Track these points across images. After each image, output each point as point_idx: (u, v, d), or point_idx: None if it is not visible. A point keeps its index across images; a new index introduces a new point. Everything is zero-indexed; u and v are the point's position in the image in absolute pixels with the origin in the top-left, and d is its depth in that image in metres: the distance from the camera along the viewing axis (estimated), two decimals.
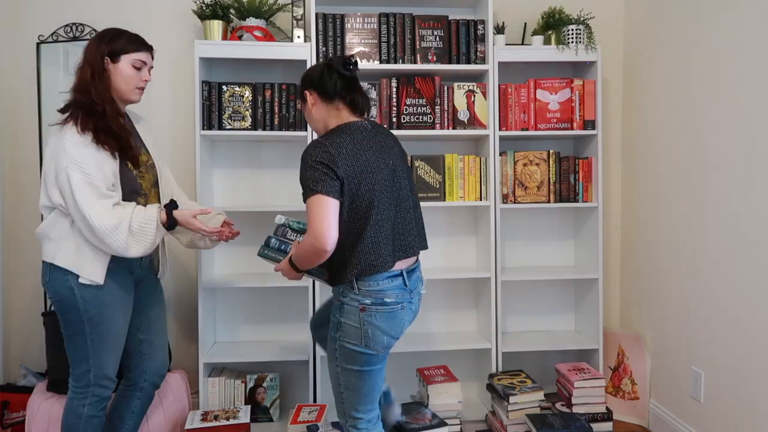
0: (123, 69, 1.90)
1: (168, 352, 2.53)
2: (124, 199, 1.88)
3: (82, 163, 1.77)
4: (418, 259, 1.89)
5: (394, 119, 2.67)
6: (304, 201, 1.68)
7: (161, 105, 2.83)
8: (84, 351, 1.89)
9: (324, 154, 1.67)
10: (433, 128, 2.69)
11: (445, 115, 2.70)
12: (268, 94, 2.62)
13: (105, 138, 1.83)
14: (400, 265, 1.78)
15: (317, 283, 2.62)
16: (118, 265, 1.90)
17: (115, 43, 1.90)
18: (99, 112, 1.83)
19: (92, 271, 1.84)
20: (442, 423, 2.38)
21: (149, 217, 1.85)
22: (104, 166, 1.82)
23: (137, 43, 1.94)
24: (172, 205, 1.97)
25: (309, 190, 1.66)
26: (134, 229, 1.81)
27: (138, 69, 1.94)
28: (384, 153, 1.78)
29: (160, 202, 2.03)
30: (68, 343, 1.90)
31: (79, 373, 1.91)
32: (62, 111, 1.86)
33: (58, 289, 1.85)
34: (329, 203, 1.64)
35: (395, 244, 1.77)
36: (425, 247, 1.92)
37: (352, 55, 1.86)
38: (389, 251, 1.74)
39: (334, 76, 1.79)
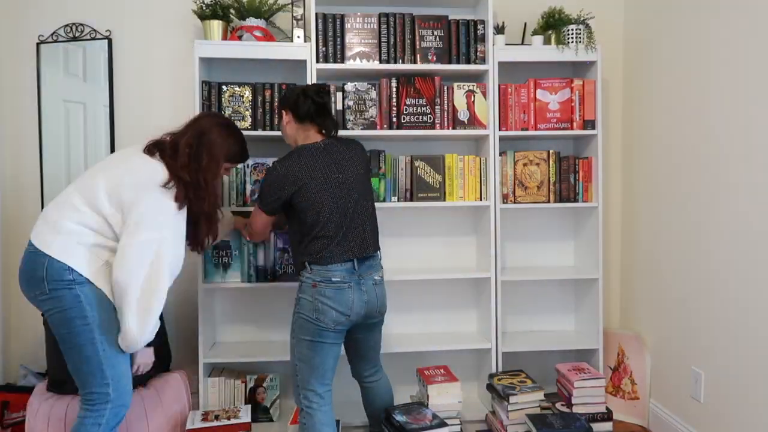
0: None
1: (168, 352, 2.54)
2: None
3: None
4: (373, 252, 2.16)
5: (394, 119, 2.67)
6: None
7: (161, 105, 2.83)
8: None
9: (275, 175, 2.07)
10: (433, 128, 2.69)
11: (445, 115, 2.70)
12: (268, 94, 2.62)
13: None
14: (350, 256, 2.07)
15: None
16: None
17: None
18: None
19: None
20: (442, 423, 2.38)
21: None
22: None
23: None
24: None
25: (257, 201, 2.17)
26: None
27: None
28: (331, 168, 2.09)
29: None
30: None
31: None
32: None
33: None
34: (263, 216, 2.17)
35: (343, 243, 2.07)
36: (377, 248, 2.20)
37: (325, 85, 2.24)
38: (337, 247, 2.05)
39: (308, 102, 2.12)
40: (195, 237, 2.02)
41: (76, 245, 1.79)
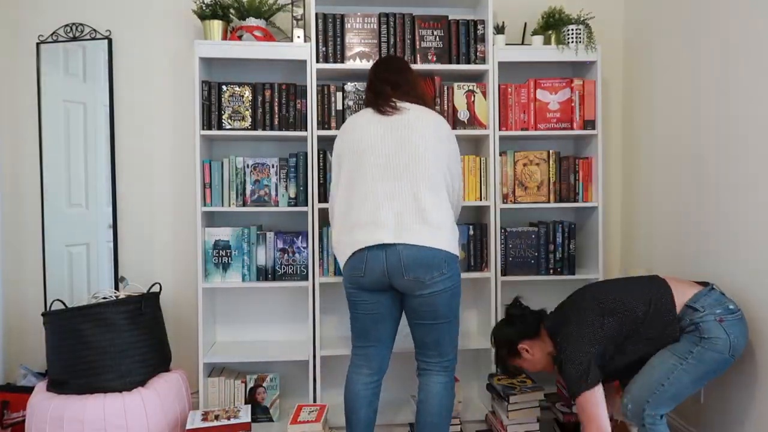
0: None
1: (168, 352, 2.54)
2: None
3: None
4: None
5: None
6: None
7: (161, 105, 2.83)
8: None
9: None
10: None
11: (445, 115, 2.70)
12: (267, 94, 2.62)
13: None
14: None
15: (317, 283, 2.62)
16: None
17: None
18: None
19: None
20: None
21: None
22: None
23: None
24: None
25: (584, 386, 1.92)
26: None
27: None
28: None
29: None
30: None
31: None
32: None
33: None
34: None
35: None
36: None
37: (518, 298, 2.31)
38: None
39: (528, 318, 2.21)
40: None
41: (451, 230, 2.05)
